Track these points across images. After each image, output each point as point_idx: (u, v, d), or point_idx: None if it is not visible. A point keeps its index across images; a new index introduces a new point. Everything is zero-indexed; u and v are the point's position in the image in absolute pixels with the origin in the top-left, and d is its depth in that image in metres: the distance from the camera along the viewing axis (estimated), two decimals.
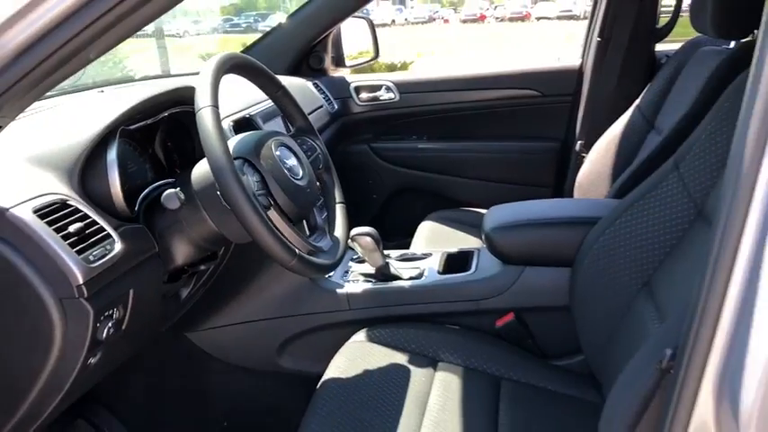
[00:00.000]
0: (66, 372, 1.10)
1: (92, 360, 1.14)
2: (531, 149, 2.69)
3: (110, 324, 1.12)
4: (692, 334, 0.83)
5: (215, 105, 1.15)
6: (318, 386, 1.41)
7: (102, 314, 1.09)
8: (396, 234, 2.56)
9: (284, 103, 1.46)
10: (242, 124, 1.65)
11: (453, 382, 1.41)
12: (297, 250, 1.19)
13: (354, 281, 1.76)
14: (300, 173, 1.32)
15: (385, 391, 1.37)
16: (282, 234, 1.19)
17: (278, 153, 1.28)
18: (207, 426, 1.86)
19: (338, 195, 1.51)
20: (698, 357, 0.82)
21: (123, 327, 1.18)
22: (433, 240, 2.20)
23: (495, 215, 1.71)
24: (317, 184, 1.42)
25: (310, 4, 2.55)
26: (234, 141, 1.27)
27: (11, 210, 1.02)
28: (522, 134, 2.70)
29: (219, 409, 1.84)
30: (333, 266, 1.33)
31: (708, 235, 1.25)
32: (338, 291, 1.72)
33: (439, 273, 1.75)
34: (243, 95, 1.83)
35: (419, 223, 2.31)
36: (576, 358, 1.59)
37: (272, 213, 1.22)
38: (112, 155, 1.21)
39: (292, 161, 1.31)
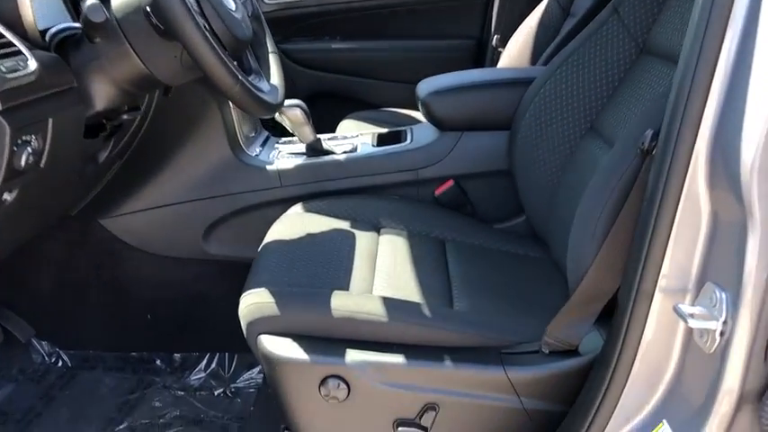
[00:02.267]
0: None
1: (6, 196, 0.99)
2: (448, 47, 2.65)
3: (28, 151, 0.97)
4: (681, 102, 0.80)
5: None
6: (259, 250, 1.31)
7: (19, 136, 0.95)
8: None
9: None
10: None
11: (399, 242, 1.36)
12: (239, 75, 1.08)
13: (289, 156, 1.66)
14: (234, 6, 1.21)
15: (331, 250, 1.29)
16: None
17: None
18: (127, 320, 1.72)
19: (270, 45, 1.40)
20: (689, 124, 0.80)
21: (42, 163, 1.03)
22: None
23: (430, 82, 1.66)
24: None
25: None
26: None
27: None
28: (439, 32, 2.65)
29: (140, 302, 1.70)
30: (274, 108, 1.23)
31: (655, 69, 1.28)
32: (268, 167, 1.62)
33: (373, 146, 1.68)
34: None
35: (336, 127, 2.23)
36: (517, 220, 1.58)
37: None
38: None
39: None
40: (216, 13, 1.12)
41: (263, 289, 1.13)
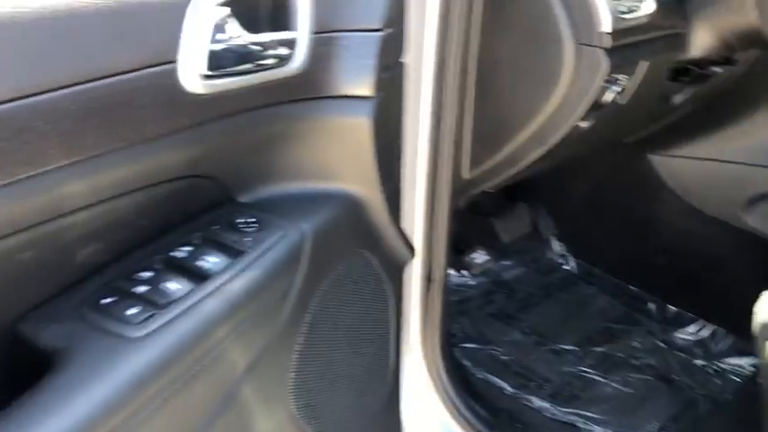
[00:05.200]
0: (556, 125, 1.05)
1: (583, 123, 1.07)
2: None
3: (615, 88, 1.02)
4: None
5: None
6: None
7: (612, 73, 1.00)
8: None
9: None
10: None
11: None
12: None
13: None
14: None
15: None
16: None
17: None
18: (640, 256, 1.75)
19: None
20: None
21: (622, 102, 1.08)
22: None
23: None
24: None
25: None
26: None
27: None
28: None
29: (659, 244, 1.70)
30: None
31: None
32: None
33: None
34: None
35: None
36: None
37: None
38: None
39: None
40: None
41: None
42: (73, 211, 0.62)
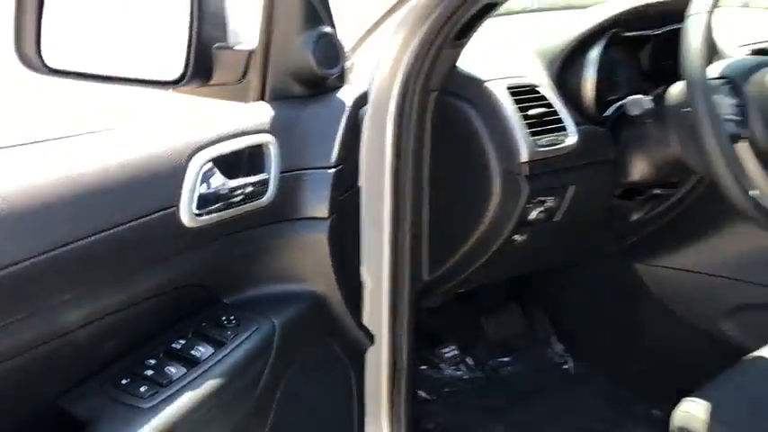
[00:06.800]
0: (492, 238, 1.21)
1: (517, 237, 1.22)
2: None
3: (540, 209, 1.18)
4: None
5: (711, 12, 1.04)
6: (743, 358, 1.23)
7: (534, 197, 1.16)
8: None
9: None
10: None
11: None
12: (756, 192, 1.03)
13: None
14: None
15: None
16: (747, 170, 1.05)
17: None
18: (632, 360, 1.82)
19: None
20: None
21: (555, 218, 1.23)
22: None
23: None
24: None
25: None
26: (727, 61, 1.14)
27: (487, 82, 1.14)
28: None
29: (645, 350, 1.77)
30: None
31: None
32: None
33: None
34: None
35: None
36: None
37: (743, 145, 1.08)
38: (594, 54, 1.23)
39: None
40: (761, 119, 1.08)
41: (707, 405, 1.09)
42: (100, 318, 0.86)
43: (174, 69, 0.95)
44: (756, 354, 1.23)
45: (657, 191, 1.36)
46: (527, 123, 1.14)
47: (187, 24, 0.93)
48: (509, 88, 1.15)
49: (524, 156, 1.12)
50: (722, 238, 1.58)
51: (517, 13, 1.66)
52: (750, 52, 1.45)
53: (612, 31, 1.27)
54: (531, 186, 1.15)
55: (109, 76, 1.01)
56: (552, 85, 1.22)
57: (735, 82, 1.09)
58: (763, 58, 1.17)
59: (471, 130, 1.17)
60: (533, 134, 1.14)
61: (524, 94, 1.16)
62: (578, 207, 1.25)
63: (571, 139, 1.18)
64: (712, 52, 1.35)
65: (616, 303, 1.83)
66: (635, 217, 1.46)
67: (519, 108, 1.14)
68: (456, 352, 1.80)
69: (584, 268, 1.84)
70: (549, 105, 1.18)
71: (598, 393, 1.86)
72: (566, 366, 1.94)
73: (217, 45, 0.98)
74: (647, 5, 1.30)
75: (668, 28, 1.36)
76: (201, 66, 0.95)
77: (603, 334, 1.87)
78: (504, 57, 1.25)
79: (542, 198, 1.18)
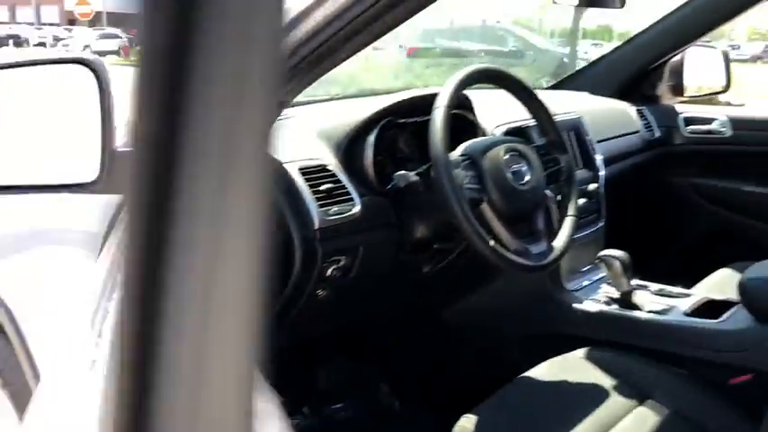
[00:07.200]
0: (300, 294, 1.44)
1: (320, 292, 1.46)
2: None
3: (336, 267, 1.42)
4: None
5: (449, 106, 1.36)
6: (518, 376, 1.51)
7: (329, 257, 1.40)
8: (692, 276, 2.41)
9: (539, 114, 1.58)
10: (513, 133, 1.81)
11: (650, 421, 1.38)
12: (491, 241, 1.34)
13: (597, 301, 1.80)
14: (526, 178, 1.45)
15: (574, 406, 1.41)
16: (489, 228, 1.36)
17: (506, 157, 1.43)
18: (442, 389, 2.08)
19: (572, 209, 1.58)
20: None
21: (352, 274, 1.47)
22: (718, 289, 2.04)
23: (760, 266, 1.57)
24: (550, 194, 1.52)
25: (651, 29, 2.54)
26: (471, 142, 1.47)
27: (283, 165, 1.39)
28: None
29: (450, 378, 2.05)
30: (531, 268, 1.43)
31: None
32: (574, 305, 1.78)
33: (686, 314, 1.67)
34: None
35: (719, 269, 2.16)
36: None
37: (485, 207, 1.39)
38: (371, 138, 1.51)
39: (521, 167, 1.45)
40: (495, 186, 1.40)
41: (476, 419, 1.36)
42: None
43: (90, 171, 0.95)
44: (525, 374, 1.53)
45: (437, 246, 1.66)
46: (317, 198, 1.39)
47: (99, 128, 0.94)
48: (300, 169, 1.40)
49: (316, 224, 1.37)
50: (501, 280, 1.91)
51: (326, 101, 1.93)
52: (504, 132, 1.81)
53: (387, 119, 1.56)
54: (323, 248, 1.39)
55: (22, 185, 1.00)
56: (339, 164, 1.48)
57: (473, 158, 1.41)
58: (500, 137, 1.51)
59: (277, 207, 1.40)
60: (323, 206, 1.39)
61: (316, 173, 1.42)
62: (370, 263, 1.51)
63: (356, 208, 1.44)
64: (472, 132, 1.69)
65: (429, 344, 2.11)
66: (426, 269, 1.74)
67: (310, 185, 1.39)
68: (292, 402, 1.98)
69: (397, 317, 2.11)
70: (338, 181, 1.44)
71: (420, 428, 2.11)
72: (392, 407, 2.18)
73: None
74: (412, 98, 1.61)
75: (426, 117, 1.69)
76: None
77: (421, 371, 2.14)
78: (299, 141, 1.50)
79: (336, 257, 1.43)
